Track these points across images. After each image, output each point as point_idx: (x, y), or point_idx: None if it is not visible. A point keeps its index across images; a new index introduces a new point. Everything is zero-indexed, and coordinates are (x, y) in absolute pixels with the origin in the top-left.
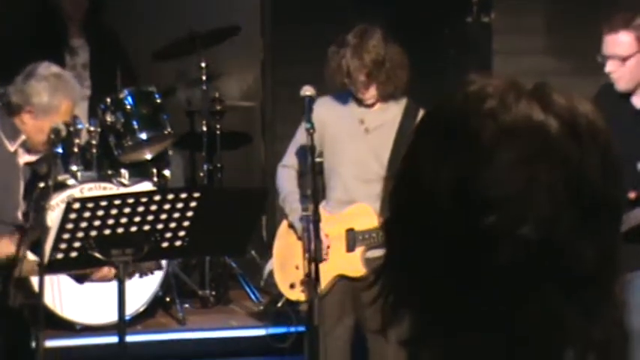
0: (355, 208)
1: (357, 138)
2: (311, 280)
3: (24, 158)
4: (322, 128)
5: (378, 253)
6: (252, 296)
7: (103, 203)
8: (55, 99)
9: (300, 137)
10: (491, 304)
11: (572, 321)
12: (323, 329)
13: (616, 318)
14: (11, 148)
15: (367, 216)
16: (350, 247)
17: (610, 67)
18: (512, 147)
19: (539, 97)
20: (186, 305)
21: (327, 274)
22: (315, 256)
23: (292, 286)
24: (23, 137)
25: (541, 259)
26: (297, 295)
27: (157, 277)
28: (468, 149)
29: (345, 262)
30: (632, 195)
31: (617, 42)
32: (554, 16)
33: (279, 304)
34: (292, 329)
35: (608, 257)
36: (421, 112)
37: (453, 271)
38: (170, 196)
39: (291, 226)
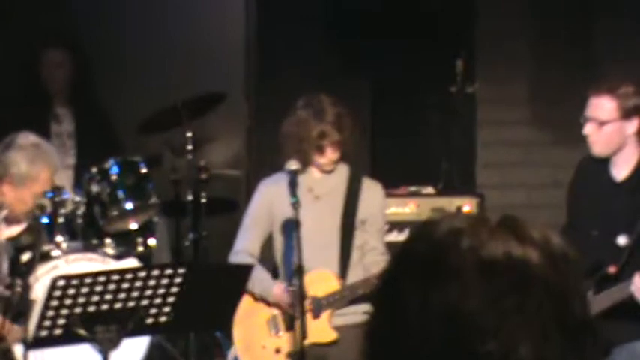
0: (311, 275)
1: (307, 206)
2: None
3: (5, 233)
4: (270, 209)
5: (346, 319)
6: None
7: (88, 280)
8: (33, 169)
9: (250, 221)
10: None
11: None
12: None
13: None
14: None
15: (326, 280)
16: (315, 314)
17: (587, 129)
18: (497, 281)
19: (512, 231)
20: None
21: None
22: (302, 333)
23: None
24: (5, 212)
25: None
26: None
27: (142, 347)
28: (452, 286)
29: (313, 330)
30: (612, 269)
31: (599, 106)
32: (538, 87)
33: None
34: None
35: None
36: (364, 180)
37: None
38: (155, 272)
39: (255, 301)
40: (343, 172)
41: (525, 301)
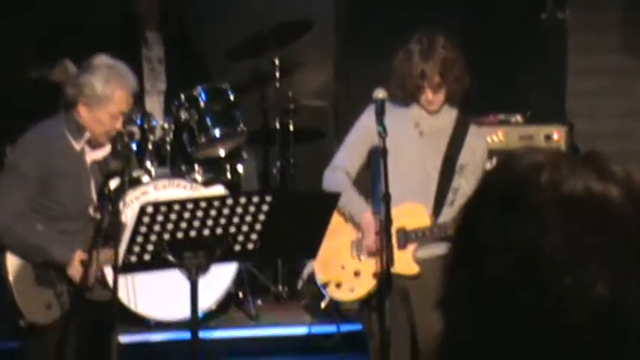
0: (404, 207)
1: (411, 140)
2: (384, 286)
3: (90, 156)
4: (373, 133)
5: (429, 252)
6: (324, 291)
7: (176, 207)
8: (107, 89)
9: (354, 140)
10: None
11: None
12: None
13: None
14: (77, 146)
15: (418, 215)
16: (401, 245)
17: None
18: (576, 218)
19: (594, 166)
20: (259, 301)
21: (378, 272)
22: (387, 262)
23: (339, 285)
24: (88, 135)
25: (614, 320)
26: (345, 294)
27: (230, 273)
28: (531, 222)
29: (397, 261)
30: None
31: None
32: (631, 12)
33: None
34: (360, 328)
35: None
36: (471, 126)
37: (527, 340)
38: (242, 200)
39: (345, 221)
40: (451, 114)
41: (605, 239)
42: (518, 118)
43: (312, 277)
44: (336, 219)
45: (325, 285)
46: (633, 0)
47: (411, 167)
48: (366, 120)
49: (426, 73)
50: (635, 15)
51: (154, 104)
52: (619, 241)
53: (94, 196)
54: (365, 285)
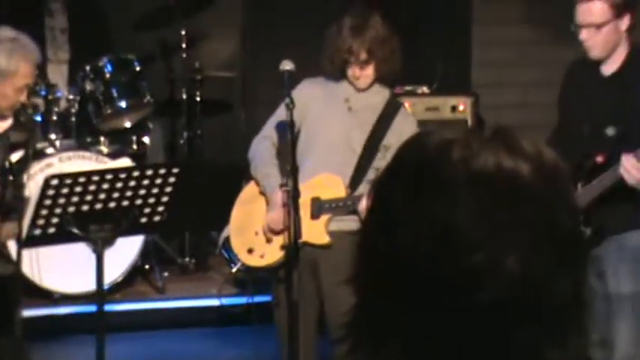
0: (320, 177)
1: (338, 114)
2: (291, 258)
3: None
4: (305, 107)
5: (341, 225)
6: (234, 258)
7: (81, 179)
8: (11, 63)
9: (281, 112)
10: (474, 346)
11: (550, 355)
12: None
13: (585, 346)
14: None
15: (334, 186)
16: (314, 215)
17: (584, 35)
18: (487, 193)
19: (504, 143)
20: (166, 273)
21: (284, 244)
22: (295, 233)
23: (250, 250)
24: None
25: (523, 295)
26: (256, 260)
27: (137, 245)
28: (442, 197)
29: (308, 230)
30: (600, 159)
31: (591, 10)
32: None
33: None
34: (269, 299)
35: (579, 290)
36: (402, 109)
37: (441, 316)
38: (149, 172)
39: (261, 193)
40: (383, 94)
41: (515, 214)
42: (425, 89)
43: (225, 244)
44: (252, 185)
45: (238, 251)
46: None
47: (336, 141)
48: (296, 92)
49: (353, 49)
50: None
51: (57, 74)
52: (529, 217)
53: None
54: (275, 253)
